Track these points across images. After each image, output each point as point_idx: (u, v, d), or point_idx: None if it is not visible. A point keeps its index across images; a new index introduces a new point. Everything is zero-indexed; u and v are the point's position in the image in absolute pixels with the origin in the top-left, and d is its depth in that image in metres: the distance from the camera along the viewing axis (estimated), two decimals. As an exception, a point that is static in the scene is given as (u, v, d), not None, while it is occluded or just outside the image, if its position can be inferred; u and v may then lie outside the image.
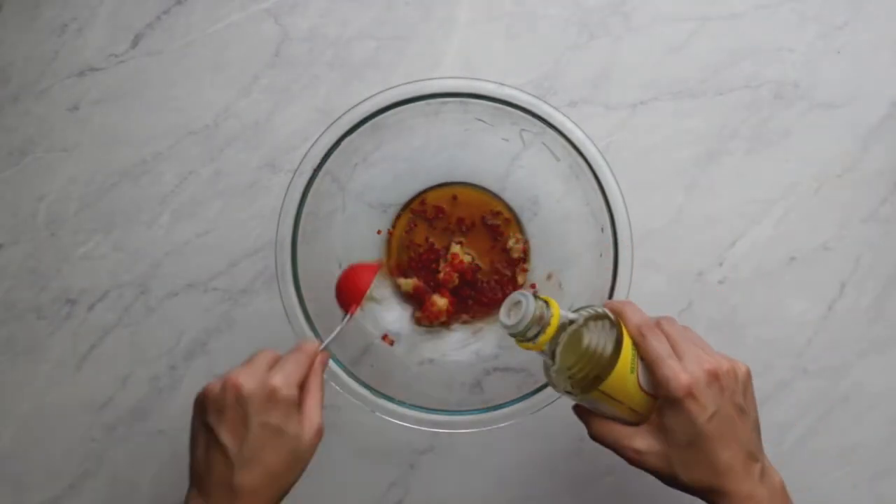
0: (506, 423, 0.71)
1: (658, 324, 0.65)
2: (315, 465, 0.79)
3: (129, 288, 0.86)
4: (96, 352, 0.86)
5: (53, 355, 0.86)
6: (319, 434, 0.64)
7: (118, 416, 0.86)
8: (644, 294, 0.83)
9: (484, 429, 0.70)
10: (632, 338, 0.64)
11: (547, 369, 0.65)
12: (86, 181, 0.87)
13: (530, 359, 0.78)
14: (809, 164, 0.86)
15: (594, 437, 0.66)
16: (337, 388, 0.71)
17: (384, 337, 0.81)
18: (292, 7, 0.87)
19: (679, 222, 0.86)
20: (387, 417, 0.72)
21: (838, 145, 0.86)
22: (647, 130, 0.86)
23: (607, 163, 0.72)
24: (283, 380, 0.62)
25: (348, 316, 0.72)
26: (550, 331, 0.62)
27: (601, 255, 0.74)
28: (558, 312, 0.62)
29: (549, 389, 0.71)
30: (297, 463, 0.63)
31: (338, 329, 0.70)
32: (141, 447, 0.86)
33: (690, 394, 0.60)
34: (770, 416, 0.85)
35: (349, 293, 0.74)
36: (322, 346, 0.68)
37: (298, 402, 0.64)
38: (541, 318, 0.62)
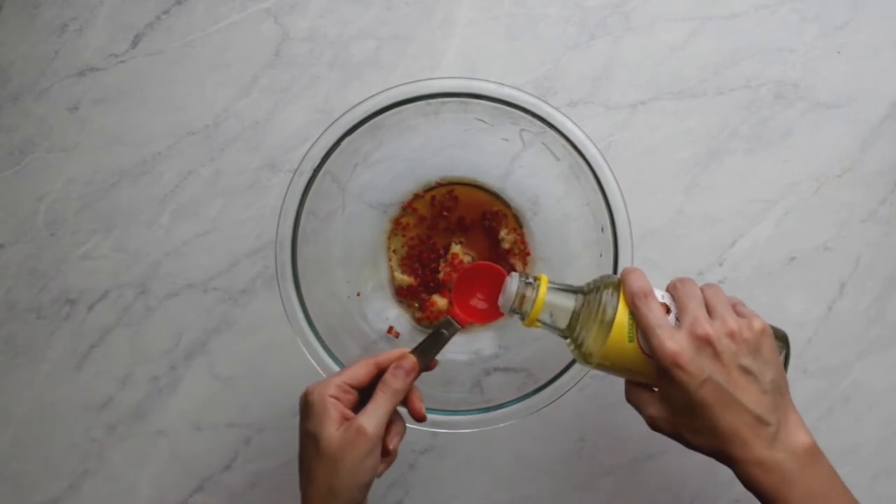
0: (506, 423, 0.71)
1: (672, 286, 0.64)
2: (315, 465, 0.79)
3: (129, 288, 0.86)
4: (96, 352, 0.86)
5: (53, 355, 0.86)
6: (359, 433, 0.61)
7: (118, 416, 0.86)
8: (644, 294, 0.83)
9: (484, 429, 0.70)
10: (628, 306, 0.63)
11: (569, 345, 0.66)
12: (86, 181, 0.87)
13: (530, 359, 0.78)
14: (809, 164, 0.86)
15: (627, 399, 0.66)
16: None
17: (390, 330, 0.81)
18: (292, 7, 0.87)
19: (679, 222, 0.86)
20: (387, 417, 0.72)
21: (838, 145, 0.86)
22: (647, 130, 0.86)
23: (607, 163, 0.72)
24: (313, 386, 0.63)
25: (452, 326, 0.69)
26: (536, 307, 0.64)
27: (601, 255, 0.74)
28: (544, 289, 0.64)
29: (550, 389, 0.71)
30: (329, 462, 0.61)
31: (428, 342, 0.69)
32: (141, 447, 0.86)
33: (676, 363, 0.59)
34: (770, 416, 0.85)
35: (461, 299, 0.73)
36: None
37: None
38: (524, 296, 0.64)
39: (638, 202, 0.76)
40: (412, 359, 0.65)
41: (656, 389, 0.64)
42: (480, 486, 0.85)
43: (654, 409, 0.62)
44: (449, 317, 0.69)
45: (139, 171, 0.87)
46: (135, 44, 0.87)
